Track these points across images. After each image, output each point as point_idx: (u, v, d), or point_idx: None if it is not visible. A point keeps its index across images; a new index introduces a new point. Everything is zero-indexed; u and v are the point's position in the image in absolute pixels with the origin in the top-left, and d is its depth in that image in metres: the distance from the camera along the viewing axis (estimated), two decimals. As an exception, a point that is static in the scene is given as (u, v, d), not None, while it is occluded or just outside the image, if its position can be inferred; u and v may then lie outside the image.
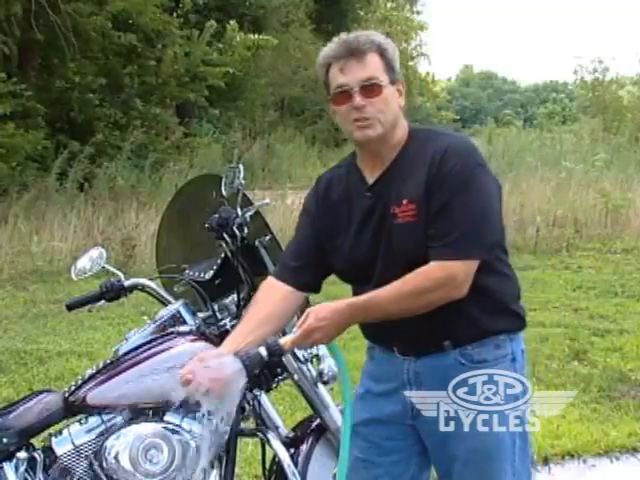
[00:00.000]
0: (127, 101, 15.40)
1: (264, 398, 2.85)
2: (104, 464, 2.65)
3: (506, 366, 2.26)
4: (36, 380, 5.56)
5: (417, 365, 2.30)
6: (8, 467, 2.60)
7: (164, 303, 2.98)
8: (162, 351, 2.73)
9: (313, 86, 26.33)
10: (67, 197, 12.12)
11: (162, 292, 3.01)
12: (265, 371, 2.79)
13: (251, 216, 2.77)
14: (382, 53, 2.21)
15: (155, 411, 2.73)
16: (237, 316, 2.85)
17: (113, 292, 2.94)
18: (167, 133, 15.81)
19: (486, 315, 2.22)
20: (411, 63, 43.01)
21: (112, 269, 2.93)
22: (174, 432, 2.68)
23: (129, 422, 2.70)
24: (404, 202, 2.18)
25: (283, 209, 11.22)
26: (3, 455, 2.58)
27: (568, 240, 11.01)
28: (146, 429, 2.67)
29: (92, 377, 2.73)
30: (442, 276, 2.10)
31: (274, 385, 2.89)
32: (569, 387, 5.37)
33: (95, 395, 2.68)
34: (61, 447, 2.66)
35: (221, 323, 2.85)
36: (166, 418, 2.71)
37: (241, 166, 2.75)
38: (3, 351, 6.32)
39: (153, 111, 15.68)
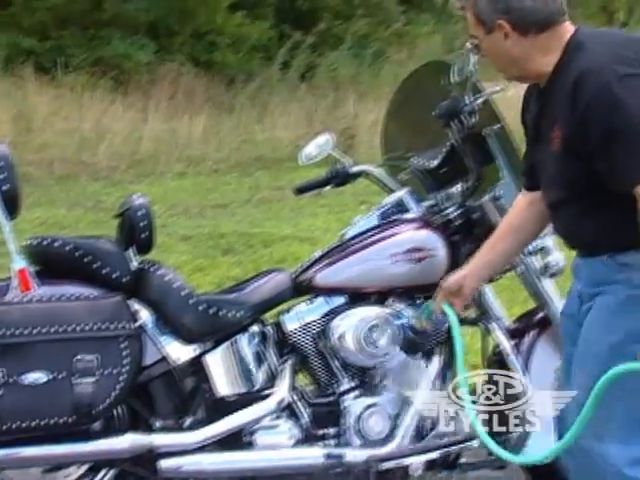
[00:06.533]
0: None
1: (487, 288, 2.84)
2: (329, 343, 2.76)
3: None
4: (261, 262, 5.81)
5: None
6: (242, 339, 2.77)
7: (388, 190, 3.00)
8: (387, 237, 2.78)
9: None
10: (289, 87, 12.37)
11: (386, 179, 3.03)
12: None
13: (481, 104, 2.70)
14: (472, 7, 2.15)
15: (378, 295, 2.79)
16: (462, 206, 2.83)
17: (339, 178, 3.00)
18: (388, 22, 15.58)
19: None
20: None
21: (340, 155, 2.97)
22: (396, 317, 2.74)
23: (353, 305, 2.78)
24: (555, 127, 2.08)
25: (505, 102, 10.88)
26: (238, 328, 2.74)
27: None
28: (370, 312, 2.74)
29: (319, 259, 2.83)
30: None
31: (498, 276, 2.87)
32: None
33: (322, 277, 2.78)
34: (290, 324, 2.79)
35: (445, 212, 2.84)
36: (389, 303, 2.78)
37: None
38: (232, 233, 6.66)
39: (376, 0, 15.47)
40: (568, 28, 2.12)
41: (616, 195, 2.01)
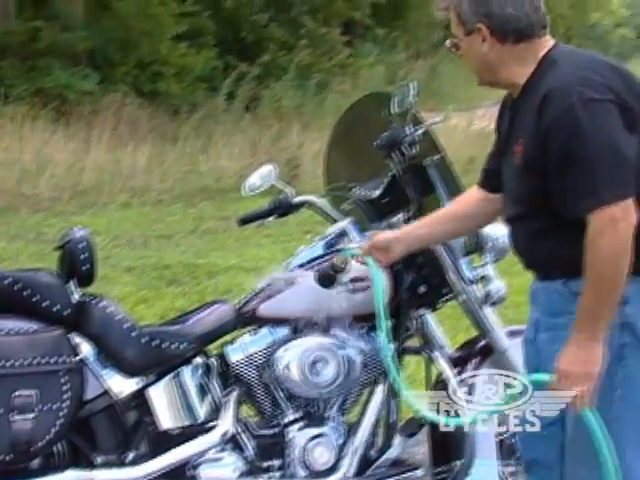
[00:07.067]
0: (295, 19, 15.45)
1: (429, 317, 2.86)
2: (273, 374, 2.75)
3: None
4: (206, 292, 5.78)
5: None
6: (186, 371, 2.74)
7: (331, 220, 3.02)
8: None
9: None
10: (233, 117, 12.39)
11: (329, 209, 3.05)
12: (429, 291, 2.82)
13: (421, 135, 2.74)
14: (455, 7, 2.17)
15: (323, 325, 2.79)
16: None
17: (282, 209, 3.01)
18: (332, 53, 15.77)
19: None
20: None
21: (282, 186, 2.98)
22: (340, 347, 2.74)
23: (297, 335, 2.78)
24: (519, 141, 2.11)
25: (445, 132, 11.03)
26: (181, 360, 2.72)
27: None
28: (314, 342, 2.74)
29: (263, 290, 2.82)
30: (598, 225, 1.97)
31: (440, 305, 2.90)
32: None
33: (265, 308, 2.78)
34: (234, 355, 2.78)
35: (387, 242, 2.86)
36: (333, 332, 2.78)
37: (413, 84, 2.71)
38: (177, 264, 6.62)
39: (320, 31, 15.68)
40: (546, 43, 2.14)
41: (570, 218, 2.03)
